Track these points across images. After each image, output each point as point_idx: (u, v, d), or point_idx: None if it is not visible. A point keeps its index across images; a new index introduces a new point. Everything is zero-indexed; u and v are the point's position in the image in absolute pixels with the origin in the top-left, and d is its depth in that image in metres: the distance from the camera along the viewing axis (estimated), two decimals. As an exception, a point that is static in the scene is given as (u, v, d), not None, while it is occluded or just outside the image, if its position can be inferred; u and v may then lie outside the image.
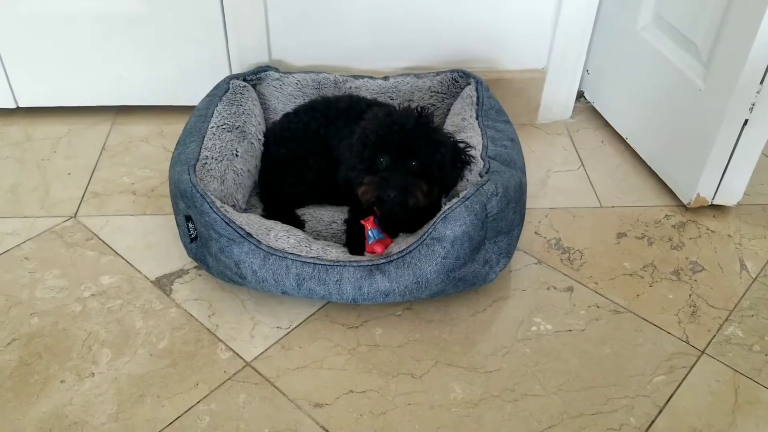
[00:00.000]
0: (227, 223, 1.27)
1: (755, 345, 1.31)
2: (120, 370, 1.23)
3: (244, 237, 1.27)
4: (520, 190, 1.37)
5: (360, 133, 1.32)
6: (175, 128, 1.68)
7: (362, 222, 1.35)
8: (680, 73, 1.59)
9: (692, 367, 1.27)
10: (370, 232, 1.34)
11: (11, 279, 1.40)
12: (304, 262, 1.27)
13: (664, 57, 1.64)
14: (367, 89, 1.71)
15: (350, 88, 1.71)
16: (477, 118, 1.52)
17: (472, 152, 1.38)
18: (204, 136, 1.44)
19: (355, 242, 1.37)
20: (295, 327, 1.32)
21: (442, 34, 1.80)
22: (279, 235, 1.31)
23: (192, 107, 1.58)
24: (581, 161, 1.80)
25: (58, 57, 1.81)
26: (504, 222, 1.32)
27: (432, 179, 1.30)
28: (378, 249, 1.32)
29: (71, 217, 1.56)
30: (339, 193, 1.45)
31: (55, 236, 1.51)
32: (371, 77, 1.73)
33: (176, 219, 1.40)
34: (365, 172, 1.30)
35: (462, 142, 1.37)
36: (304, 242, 1.32)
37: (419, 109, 1.31)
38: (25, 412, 1.16)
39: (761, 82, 1.42)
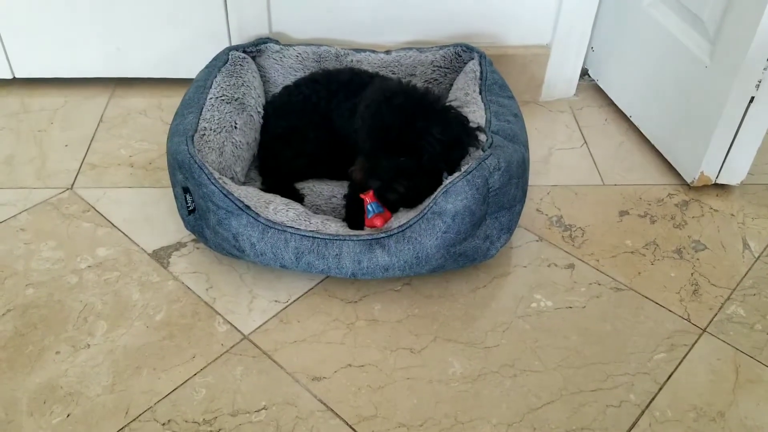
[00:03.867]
0: (225, 195, 1.25)
1: (757, 324, 1.30)
2: (116, 342, 1.22)
3: (242, 209, 1.25)
4: (523, 165, 1.35)
5: (358, 113, 1.31)
6: (173, 101, 1.65)
7: (362, 196, 1.33)
8: (686, 49, 1.57)
9: (693, 345, 1.26)
10: (369, 206, 1.32)
11: (6, 250, 1.38)
12: (303, 235, 1.26)
13: (671, 33, 1.61)
14: (368, 63, 1.68)
15: (352, 61, 1.69)
16: (480, 93, 1.50)
17: (481, 137, 1.34)
18: (202, 108, 1.42)
19: (354, 217, 1.35)
20: (294, 301, 1.31)
21: (446, 8, 1.77)
22: (278, 208, 1.30)
23: (191, 80, 1.55)
24: (584, 139, 1.78)
25: (56, 28, 1.78)
26: (506, 197, 1.31)
27: (423, 171, 1.29)
28: (378, 223, 1.30)
29: (68, 189, 1.55)
30: (339, 168, 1.43)
31: (52, 207, 1.49)
32: (373, 51, 1.70)
33: (174, 191, 1.38)
34: (361, 151, 1.30)
35: (470, 124, 1.34)
36: (303, 216, 1.30)
37: (412, 110, 1.27)
38: (19, 382, 1.15)
39: (769, 59, 1.41)
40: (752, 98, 1.45)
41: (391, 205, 1.33)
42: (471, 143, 1.32)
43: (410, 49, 1.70)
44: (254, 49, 1.66)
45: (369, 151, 1.30)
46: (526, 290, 1.35)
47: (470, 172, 1.23)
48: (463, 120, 1.35)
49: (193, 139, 1.33)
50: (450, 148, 1.29)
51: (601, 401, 1.16)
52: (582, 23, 1.82)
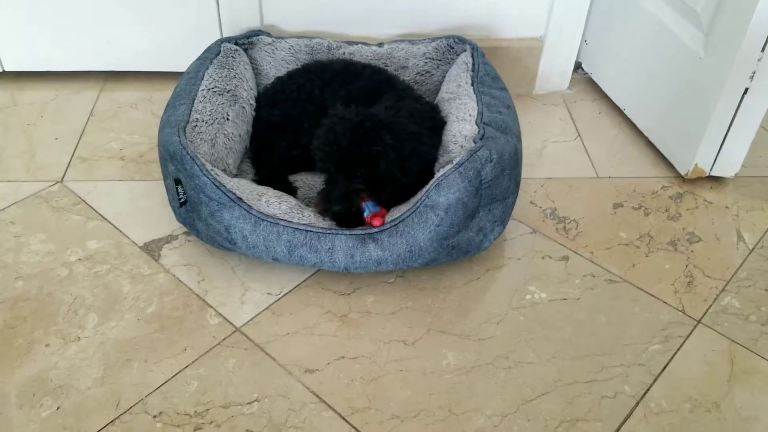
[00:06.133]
0: (217, 187, 1.24)
1: (751, 315, 1.30)
2: (107, 335, 1.21)
3: (234, 201, 1.24)
4: (515, 156, 1.34)
5: (314, 143, 1.31)
6: (164, 94, 1.65)
7: None
8: (680, 41, 1.56)
9: (688, 337, 1.25)
10: (365, 205, 1.31)
11: (-4, 243, 1.37)
12: (296, 228, 1.25)
13: (664, 25, 1.61)
14: (361, 55, 1.67)
15: (344, 54, 1.68)
16: (472, 85, 1.49)
17: (430, 150, 1.35)
18: (194, 99, 1.41)
19: (348, 221, 1.32)
20: (286, 293, 1.30)
21: (438, 1, 1.76)
22: (270, 200, 1.28)
23: (182, 73, 1.54)
24: (578, 132, 1.78)
25: (46, 20, 1.77)
26: (498, 189, 1.30)
27: (382, 185, 1.29)
28: (376, 222, 1.28)
29: (58, 182, 1.53)
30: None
31: (41, 201, 1.48)
32: (365, 43, 1.70)
33: (165, 183, 1.37)
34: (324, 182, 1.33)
35: (420, 136, 1.33)
36: (296, 209, 1.29)
37: (360, 121, 1.27)
38: (8, 375, 1.13)
39: (762, 49, 1.40)
40: (746, 90, 1.45)
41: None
42: (425, 152, 1.31)
43: (402, 41, 1.70)
44: (246, 42, 1.65)
45: (328, 173, 1.31)
46: (521, 282, 1.35)
47: (462, 164, 1.23)
48: (416, 131, 1.32)
49: (185, 131, 1.31)
50: (406, 158, 1.28)
51: (596, 392, 1.15)
52: (575, 16, 1.82)
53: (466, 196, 1.23)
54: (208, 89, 1.45)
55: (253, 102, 1.56)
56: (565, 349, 1.22)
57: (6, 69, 1.84)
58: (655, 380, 1.18)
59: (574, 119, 1.82)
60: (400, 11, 1.77)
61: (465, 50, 1.63)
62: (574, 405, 1.13)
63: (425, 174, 1.30)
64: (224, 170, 1.39)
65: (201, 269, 1.34)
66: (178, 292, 1.29)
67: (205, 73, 1.48)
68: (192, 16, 1.77)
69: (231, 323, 1.24)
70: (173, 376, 1.14)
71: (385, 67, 1.65)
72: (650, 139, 1.71)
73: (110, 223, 1.43)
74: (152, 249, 1.37)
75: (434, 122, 1.43)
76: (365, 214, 1.29)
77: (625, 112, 1.81)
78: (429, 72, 1.68)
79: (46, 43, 1.81)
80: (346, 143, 1.25)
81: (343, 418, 1.09)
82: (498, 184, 1.29)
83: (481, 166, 1.24)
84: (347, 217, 1.30)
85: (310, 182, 1.48)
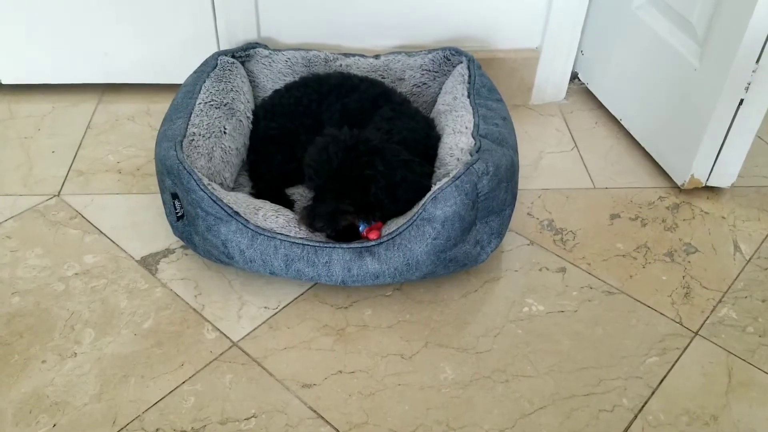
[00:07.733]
0: (215, 201, 1.24)
1: (749, 326, 1.30)
2: (103, 351, 1.20)
3: (231, 216, 1.24)
4: (512, 168, 1.34)
5: (306, 159, 1.31)
6: (161, 106, 1.65)
7: None
8: (676, 52, 1.57)
9: (685, 349, 1.25)
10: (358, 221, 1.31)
11: (-8, 258, 1.37)
12: (293, 242, 1.25)
13: (660, 36, 1.61)
14: (357, 67, 1.68)
15: (341, 66, 1.68)
16: (468, 97, 1.49)
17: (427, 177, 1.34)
18: (191, 113, 1.41)
19: (344, 236, 1.32)
20: (284, 307, 1.30)
21: (434, 12, 1.77)
22: (267, 214, 1.29)
23: (179, 85, 1.54)
24: (575, 142, 1.78)
25: (43, 33, 1.77)
26: (495, 202, 1.30)
27: (370, 208, 1.29)
28: (373, 236, 1.28)
29: (55, 196, 1.53)
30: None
31: (38, 215, 1.48)
32: (362, 55, 1.70)
33: (162, 197, 1.37)
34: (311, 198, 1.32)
35: (416, 166, 1.33)
36: (293, 222, 1.29)
37: (354, 144, 1.27)
38: (4, 392, 1.13)
39: (757, 61, 1.40)
40: (741, 100, 1.45)
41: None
42: (415, 180, 1.31)
43: (399, 53, 1.70)
44: (243, 54, 1.65)
45: (317, 190, 1.30)
46: (518, 294, 1.35)
47: (459, 177, 1.23)
48: (407, 159, 1.32)
49: (182, 145, 1.32)
50: (395, 186, 1.28)
51: (594, 406, 1.15)
52: (571, 26, 1.82)
53: (462, 209, 1.23)
54: (205, 103, 1.45)
55: (250, 115, 1.56)
56: (562, 362, 1.22)
57: (3, 82, 1.84)
58: (653, 393, 1.17)
59: (571, 130, 1.82)
60: (396, 23, 1.77)
61: (461, 62, 1.63)
62: (572, 419, 1.13)
63: (416, 201, 1.29)
64: (221, 184, 1.39)
65: (198, 283, 1.34)
66: (175, 306, 1.29)
67: (202, 87, 1.48)
68: (189, 28, 1.77)
69: (228, 338, 1.24)
70: (170, 392, 1.14)
71: (382, 80, 1.65)
72: (647, 150, 1.72)
73: (107, 237, 1.43)
74: (149, 263, 1.37)
75: (429, 141, 1.43)
76: (361, 228, 1.30)
77: (621, 122, 1.81)
78: (426, 84, 1.69)
79: (43, 56, 1.81)
80: (337, 164, 1.25)
81: (341, 434, 1.09)
82: (494, 197, 1.29)
83: (478, 179, 1.25)
84: (343, 232, 1.30)
85: (307, 195, 1.48)
